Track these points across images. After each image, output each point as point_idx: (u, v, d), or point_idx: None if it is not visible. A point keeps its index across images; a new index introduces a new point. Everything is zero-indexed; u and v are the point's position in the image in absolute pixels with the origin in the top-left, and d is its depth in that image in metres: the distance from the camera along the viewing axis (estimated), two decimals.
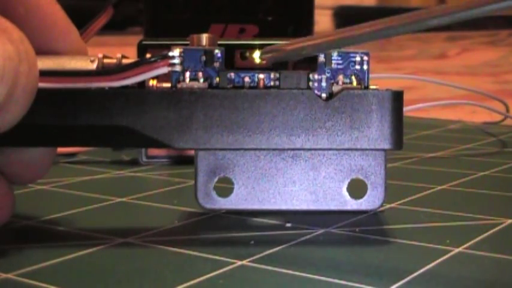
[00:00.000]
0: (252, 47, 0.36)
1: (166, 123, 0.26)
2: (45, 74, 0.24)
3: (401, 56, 1.45)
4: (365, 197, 0.28)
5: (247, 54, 0.36)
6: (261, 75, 0.27)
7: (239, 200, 0.28)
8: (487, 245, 0.24)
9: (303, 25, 0.46)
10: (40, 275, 0.22)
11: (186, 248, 0.24)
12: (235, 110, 0.26)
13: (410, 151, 0.41)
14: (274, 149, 0.27)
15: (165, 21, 0.45)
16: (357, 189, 0.28)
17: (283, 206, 0.28)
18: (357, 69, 0.27)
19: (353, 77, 0.27)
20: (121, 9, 0.42)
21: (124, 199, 0.30)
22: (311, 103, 0.26)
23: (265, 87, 0.27)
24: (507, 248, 0.24)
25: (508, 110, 0.49)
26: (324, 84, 0.27)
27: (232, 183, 0.28)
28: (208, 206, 0.28)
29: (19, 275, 0.22)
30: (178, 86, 0.26)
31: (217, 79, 0.27)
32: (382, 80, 0.43)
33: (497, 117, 0.51)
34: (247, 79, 0.27)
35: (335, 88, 0.27)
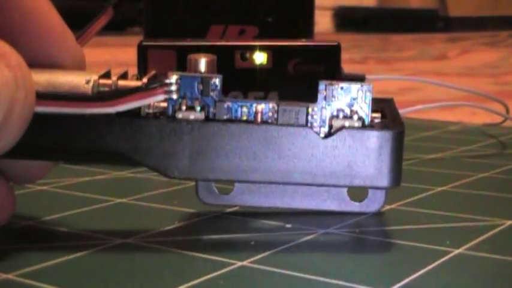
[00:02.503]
0: (253, 48, 0.36)
1: (162, 152, 0.25)
2: (40, 97, 0.24)
3: (401, 57, 1.45)
4: (366, 199, 0.28)
5: (247, 55, 0.36)
6: (259, 107, 0.26)
7: (240, 196, 0.28)
8: (487, 246, 0.24)
9: (303, 26, 0.46)
10: (40, 276, 0.22)
11: (186, 248, 0.24)
12: (231, 143, 0.26)
13: (410, 152, 0.41)
14: (270, 183, 0.27)
15: (165, 22, 0.45)
16: (358, 191, 0.28)
17: (284, 204, 0.28)
18: (358, 105, 0.26)
19: (354, 113, 0.26)
20: (121, 9, 0.42)
21: (124, 200, 0.30)
22: (309, 141, 0.26)
23: (263, 121, 0.26)
24: (507, 249, 0.24)
25: (508, 112, 0.49)
26: (323, 118, 0.26)
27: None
28: (209, 201, 0.28)
29: (19, 276, 0.22)
30: (175, 114, 0.26)
31: (214, 109, 0.26)
32: (382, 81, 0.43)
33: (497, 119, 0.51)
34: (244, 109, 0.26)
35: (335, 123, 0.26)
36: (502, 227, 0.27)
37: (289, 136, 0.26)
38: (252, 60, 0.36)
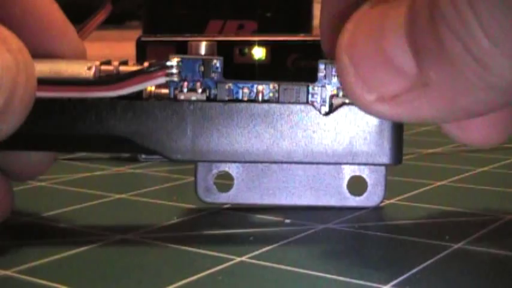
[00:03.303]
0: (251, 43, 0.36)
1: (164, 134, 0.26)
2: (42, 82, 0.24)
3: None
4: (365, 194, 0.28)
5: (246, 50, 0.36)
6: (260, 87, 0.26)
7: (239, 194, 0.28)
8: (486, 241, 0.24)
9: (302, 21, 0.46)
10: (39, 272, 0.22)
11: (185, 244, 0.24)
12: (233, 124, 0.26)
13: (410, 147, 0.41)
14: (272, 163, 0.27)
15: (164, 17, 0.45)
16: (357, 185, 0.28)
17: (283, 201, 0.28)
18: None
19: None
20: (119, 3, 0.42)
21: (123, 196, 0.30)
22: (310, 118, 0.26)
23: (264, 100, 0.26)
24: (506, 244, 0.24)
25: None
26: (324, 97, 0.27)
27: (233, 178, 0.28)
28: (209, 200, 0.28)
29: (18, 272, 0.22)
30: (177, 96, 0.26)
31: (216, 90, 0.26)
32: None
33: None
34: (246, 90, 0.27)
35: (335, 101, 0.26)
36: (501, 222, 0.27)
37: (291, 114, 0.26)
38: (251, 56, 0.36)
